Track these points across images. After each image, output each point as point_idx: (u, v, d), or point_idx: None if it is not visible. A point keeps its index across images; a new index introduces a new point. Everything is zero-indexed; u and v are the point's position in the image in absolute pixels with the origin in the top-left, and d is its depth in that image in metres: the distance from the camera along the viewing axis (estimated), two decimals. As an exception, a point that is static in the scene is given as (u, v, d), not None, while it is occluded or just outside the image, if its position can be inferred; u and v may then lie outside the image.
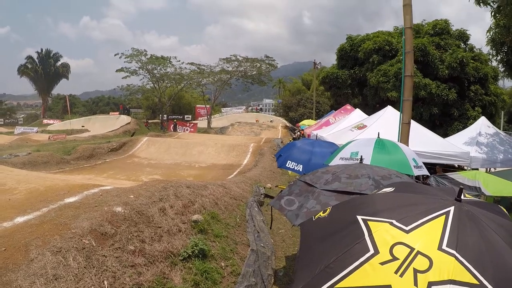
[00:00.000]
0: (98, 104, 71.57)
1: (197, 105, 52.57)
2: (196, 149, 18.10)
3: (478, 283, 1.38)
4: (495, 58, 10.91)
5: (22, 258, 3.15)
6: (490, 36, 9.96)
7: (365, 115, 14.19)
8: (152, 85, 42.60)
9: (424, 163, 5.65)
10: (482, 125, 11.11)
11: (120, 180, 10.84)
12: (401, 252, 1.51)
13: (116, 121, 38.31)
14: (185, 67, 41.92)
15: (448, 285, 1.38)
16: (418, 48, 19.86)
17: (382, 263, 1.50)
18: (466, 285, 1.38)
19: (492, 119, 20.98)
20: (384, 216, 1.74)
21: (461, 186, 1.98)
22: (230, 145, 19.00)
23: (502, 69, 11.55)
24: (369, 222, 1.72)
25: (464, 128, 15.06)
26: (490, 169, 10.47)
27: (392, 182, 3.23)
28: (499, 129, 12.99)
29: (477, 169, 9.09)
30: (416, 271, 1.43)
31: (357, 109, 16.57)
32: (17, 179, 6.35)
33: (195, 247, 4.52)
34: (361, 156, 4.56)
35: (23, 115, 64.05)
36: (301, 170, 5.98)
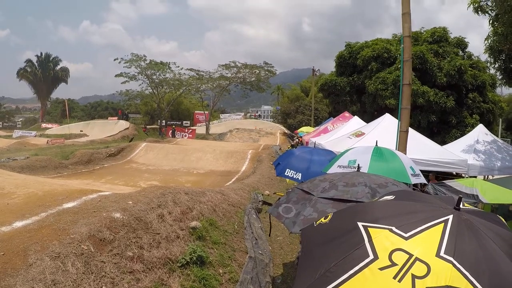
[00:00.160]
0: (97, 109, 71.56)
1: (196, 111, 52.60)
2: (195, 155, 18.11)
3: None
4: (493, 65, 10.96)
5: (21, 263, 3.15)
6: (488, 44, 10.04)
7: (363, 123, 14.23)
8: (151, 90, 42.65)
9: (420, 171, 5.67)
10: (479, 133, 11.16)
11: (118, 185, 10.83)
12: (400, 258, 1.54)
13: (114, 126, 38.36)
14: (184, 73, 42.18)
15: (445, 291, 1.41)
16: (416, 56, 19.97)
17: (381, 269, 1.52)
18: None
19: (490, 126, 21.03)
20: (384, 223, 1.76)
21: (460, 195, 2.01)
22: (228, 151, 19.02)
23: (500, 76, 11.61)
24: (369, 229, 1.75)
25: (462, 135, 15.08)
26: (488, 176, 10.50)
27: (389, 190, 3.25)
28: (497, 136, 13.05)
29: (475, 176, 9.13)
30: (414, 277, 1.45)
31: (355, 116, 16.60)
32: (15, 183, 6.34)
33: (193, 254, 4.52)
34: (358, 164, 4.59)
35: (21, 119, 64.00)
36: (300, 178, 5.98)
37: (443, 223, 1.69)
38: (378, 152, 5.35)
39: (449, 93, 21.04)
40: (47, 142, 25.36)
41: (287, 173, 6.31)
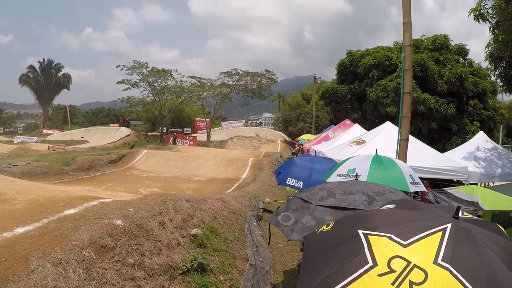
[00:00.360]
0: (98, 116, 71.73)
1: (197, 118, 52.66)
2: (195, 163, 18.14)
3: None
4: (493, 72, 11.03)
5: (23, 269, 3.16)
6: (488, 51, 10.10)
7: (364, 130, 14.26)
8: (152, 97, 42.78)
9: (419, 178, 5.69)
10: (480, 140, 11.17)
11: (119, 192, 10.85)
12: (398, 265, 1.57)
13: (115, 133, 38.45)
14: (186, 80, 42.31)
15: (442, 297, 1.44)
16: (417, 63, 20.05)
17: (380, 275, 1.56)
18: None
19: (491, 133, 21.04)
20: (384, 230, 1.80)
21: (459, 204, 2.04)
22: (229, 159, 19.05)
23: (501, 83, 11.66)
24: (369, 236, 1.78)
25: (462, 142, 15.09)
26: (488, 183, 10.49)
27: (386, 197, 3.30)
28: (498, 143, 13.04)
29: (476, 183, 9.12)
30: (412, 283, 1.48)
31: (356, 124, 16.63)
32: (16, 189, 6.37)
33: (194, 261, 4.53)
34: (357, 173, 4.63)
35: (23, 125, 64.12)
36: (301, 187, 5.99)
37: (441, 231, 1.72)
38: (378, 161, 5.38)
39: (450, 100, 21.09)
40: (48, 148, 25.42)
41: (289, 181, 6.33)
